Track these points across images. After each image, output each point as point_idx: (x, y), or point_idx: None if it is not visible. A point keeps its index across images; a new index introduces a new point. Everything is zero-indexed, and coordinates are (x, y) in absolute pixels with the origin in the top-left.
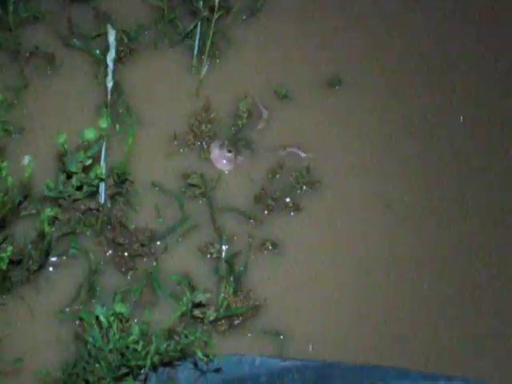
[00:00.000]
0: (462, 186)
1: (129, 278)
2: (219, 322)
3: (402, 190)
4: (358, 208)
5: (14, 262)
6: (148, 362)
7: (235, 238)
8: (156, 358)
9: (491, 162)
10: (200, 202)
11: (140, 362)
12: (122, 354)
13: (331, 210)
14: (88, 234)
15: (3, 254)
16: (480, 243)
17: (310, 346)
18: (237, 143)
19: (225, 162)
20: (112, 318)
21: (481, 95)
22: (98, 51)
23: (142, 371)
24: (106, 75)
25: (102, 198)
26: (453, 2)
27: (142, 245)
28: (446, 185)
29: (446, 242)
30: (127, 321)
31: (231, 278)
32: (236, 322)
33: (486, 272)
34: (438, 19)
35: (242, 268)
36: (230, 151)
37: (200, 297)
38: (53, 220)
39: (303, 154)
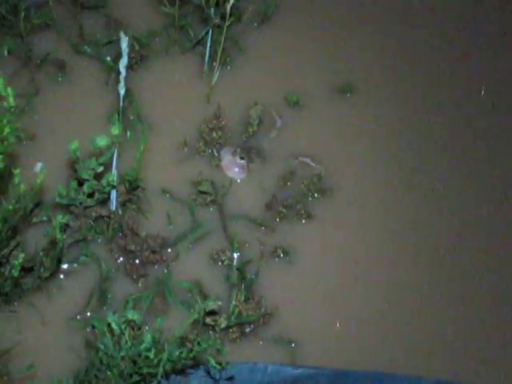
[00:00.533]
0: (478, 196)
1: (140, 285)
2: (230, 330)
3: (414, 197)
4: (370, 215)
5: (26, 270)
6: (160, 369)
7: (246, 245)
8: (168, 366)
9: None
10: (211, 209)
11: (152, 370)
12: (134, 362)
13: (343, 217)
14: (99, 241)
15: (15, 262)
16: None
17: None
18: (248, 150)
19: (236, 169)
20: (124, 326)
21: (499, 105)
22: (109, 58)
23: (154, 379)
24: (117, 82)
25: (113, 205)
26: (465, 7)
27: (154, 252)
28: (461, 193)
29: (461, 252)
30: (139, 328)
31: (242, 286)
32: (247, 329)
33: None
34: (452, 26)
35: (253, 275)
36: (242, 158)
37: (212, 304)
38: (64, 227)
39: (314, 165)
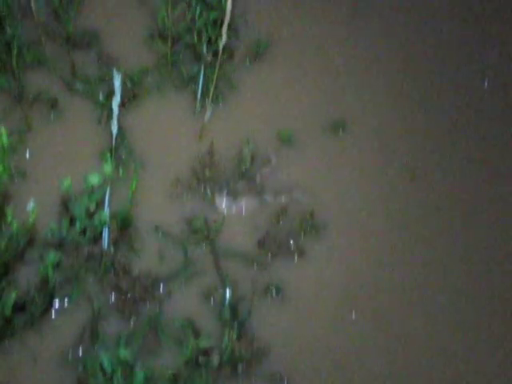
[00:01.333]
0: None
1: (132, 323)
2: (223, 368)
3: (407, 233)
4: (363, 253)
5: (18, 307)
6: None
7: (239, 282)
8: None
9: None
10: (203, 246)
11: None
12: None
13: (335, 254)
14: (91, 278)
15: (7, 300)
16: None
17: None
18: (240, 187)
19: (228, 206)
20: (116, 364)
21: (486, 146)
22: (101, 96)
23: None
24: (110, 120)
25: (105, 243)
26: (458, 45)
27: (146, 290)
28: (453, 241)
29: (454, 294)
30: (131, 367)
31: (235, 323)
32: (240, 367)
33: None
34: (444, 62)
35: (245, 313)
36: (232, 196)
37: (204, 343)
38: (56, 265)
39: (305, 200)
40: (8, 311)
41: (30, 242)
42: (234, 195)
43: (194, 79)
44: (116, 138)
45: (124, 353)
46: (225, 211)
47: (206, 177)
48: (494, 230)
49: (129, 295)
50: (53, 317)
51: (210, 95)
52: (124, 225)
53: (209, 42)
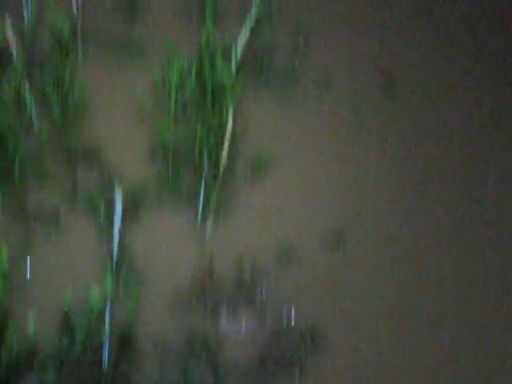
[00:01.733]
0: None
1: None
2: None
3: (411, 342)
4: (366, 366)
5: None
6: None
7: None
8: None
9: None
10: (204, 362)
11: None
12: None
13: (336, 368)
14: None
15: None
16: None
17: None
18: (240, 303)
19: (228, 322)
20: None
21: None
22: (102, 210)
23: None
24: (111, 235)
25: (105, 360)
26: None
27: None
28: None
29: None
30: None
31: None
32: None
33: None
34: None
35: None
36: (232, 312)
37: None
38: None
39: (305, 314)
40: None
41: (31, 358)
42: (234, 311)
43: (194, 194)
44: (117, 253)
45: None
46: (225, 327)
47: (207, 294)
48: None
49: None
50: None
51: (211, 210)
52: (124, 342)
53: (210, 158)
